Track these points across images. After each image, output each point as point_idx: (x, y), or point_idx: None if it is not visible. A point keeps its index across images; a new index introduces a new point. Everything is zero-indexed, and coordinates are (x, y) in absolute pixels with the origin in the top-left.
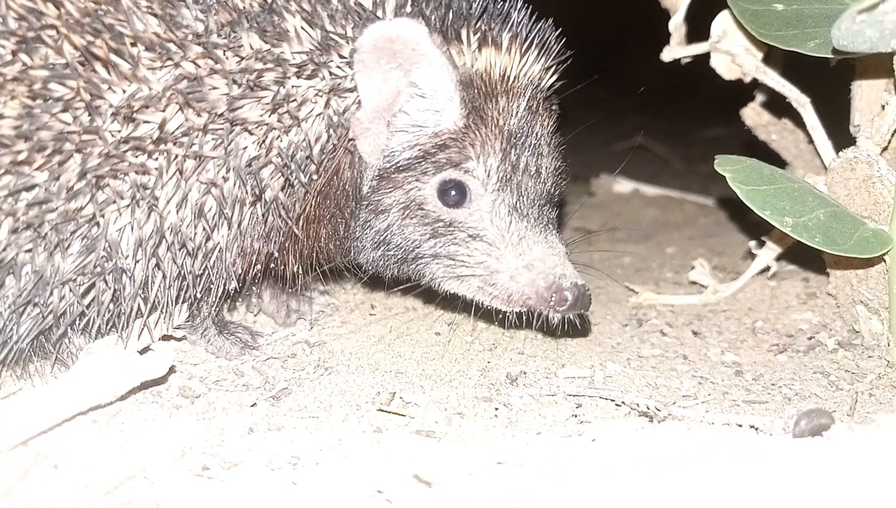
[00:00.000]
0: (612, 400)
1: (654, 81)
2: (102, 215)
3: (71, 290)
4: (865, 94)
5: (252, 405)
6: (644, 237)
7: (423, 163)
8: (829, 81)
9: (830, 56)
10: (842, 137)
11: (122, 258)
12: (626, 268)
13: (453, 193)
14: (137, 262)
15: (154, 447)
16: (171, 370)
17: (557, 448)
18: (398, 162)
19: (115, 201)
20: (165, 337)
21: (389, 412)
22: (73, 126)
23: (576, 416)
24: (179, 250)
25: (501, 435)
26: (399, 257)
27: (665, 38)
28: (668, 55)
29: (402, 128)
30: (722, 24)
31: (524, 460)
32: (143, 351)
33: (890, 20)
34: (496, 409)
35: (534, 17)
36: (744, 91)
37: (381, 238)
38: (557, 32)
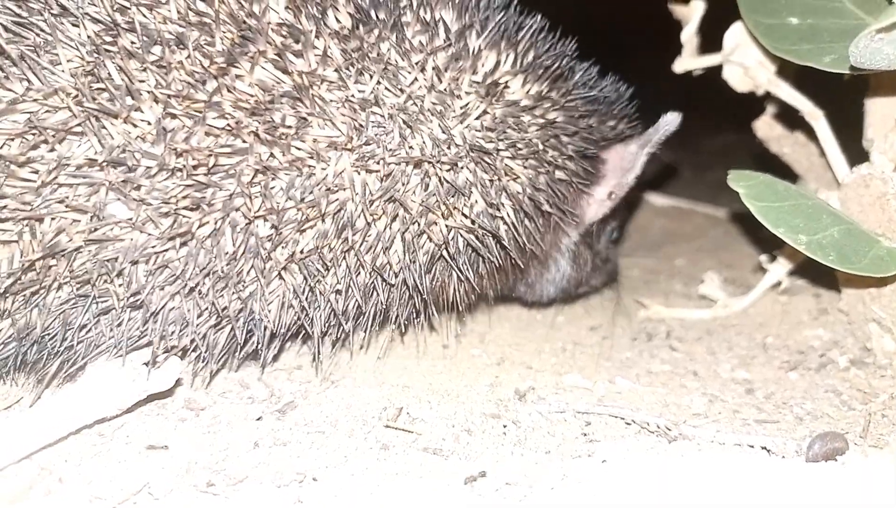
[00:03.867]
0: (622, 418)
1: (663, 87)
2: (260, 288)
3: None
4: (879, 108)
5: (258, 419)
6: (653, 248)
7: (612, 219)
8: (842, 93)
9: (846, 72)
10: (854, 149)
11: (265, 315)
12: (635, 280)
13: (612, 232)
14: (270, 314)
15: (159, 461)
16: (178, 382)
17: (567, 468)
18: (598, 221)
19: (279, 276)
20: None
21: (396, 429)
22: (245, 204)
23: (585, 434)
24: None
25: (510, 454)
26: (573, 291)
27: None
28: (679, 66)
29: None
30: (735, 35)
31: (533, 481)
32: (148, 363)
33: None
34: (504, 426)
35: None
36: (754, 98)
37: (566, 282)
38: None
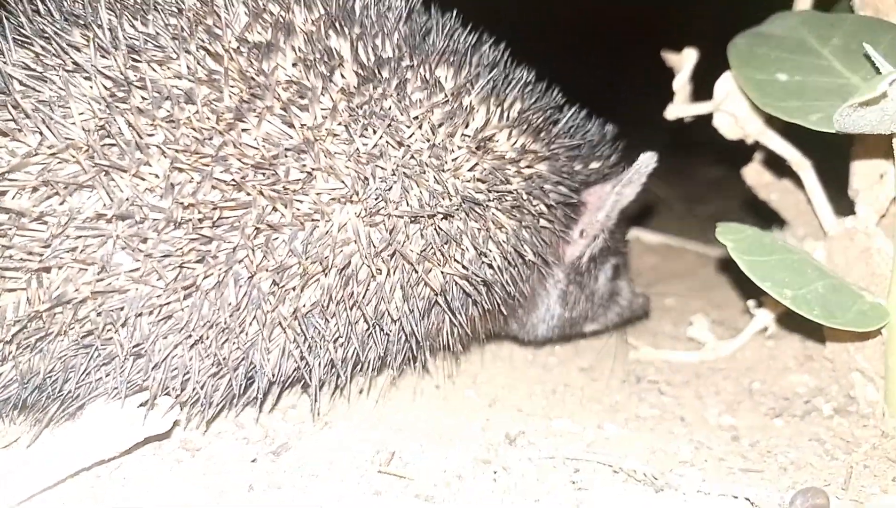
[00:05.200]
0: (610, 466)
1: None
2: (262, 339)
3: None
4: (864, 160)
5: (252, 461)
6: (644, 287)
7: (605, 257)
8: (831, 139)
9: (832, 130)
10: (843, 194)
11: (265, 366)
12: None
13: (615, 270)
14: (269, 363)
15: (155, 503)
16: (174, 423)
17: None
18: (589, 259)
19: (280, 327)
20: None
21: (389, 474)
22: (247, 259)
23: (574, 483)
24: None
25: (500, 501)
26: (569, 330)
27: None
28: (671, 113)
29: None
30: (725, 85)
31: None
32: (145, 404)
33: (891, 106)
34: (495, 472)
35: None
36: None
37: (558, 322)
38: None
